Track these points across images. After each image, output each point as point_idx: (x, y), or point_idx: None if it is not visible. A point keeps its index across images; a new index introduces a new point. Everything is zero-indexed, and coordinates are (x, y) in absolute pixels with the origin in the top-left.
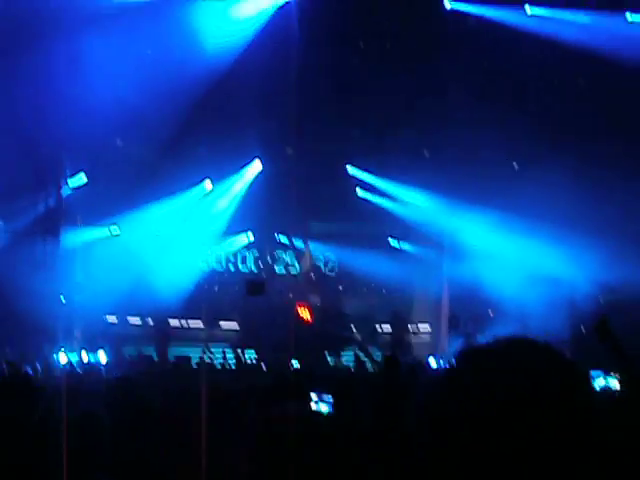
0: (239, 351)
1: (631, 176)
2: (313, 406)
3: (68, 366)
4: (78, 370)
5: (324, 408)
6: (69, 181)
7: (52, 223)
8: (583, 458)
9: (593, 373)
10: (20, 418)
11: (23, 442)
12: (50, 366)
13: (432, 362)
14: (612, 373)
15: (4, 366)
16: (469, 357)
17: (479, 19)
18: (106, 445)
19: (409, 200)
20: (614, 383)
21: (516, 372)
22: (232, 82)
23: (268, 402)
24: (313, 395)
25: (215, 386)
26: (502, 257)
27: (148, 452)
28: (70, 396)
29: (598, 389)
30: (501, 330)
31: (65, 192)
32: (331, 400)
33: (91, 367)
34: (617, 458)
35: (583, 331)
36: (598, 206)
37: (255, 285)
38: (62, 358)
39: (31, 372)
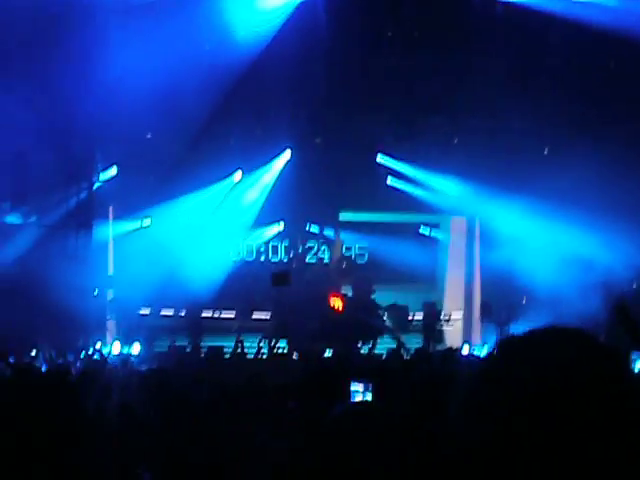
0: (270, 341)
1: None
2: (359, 397)
3: (101, 358)
4: (112, 362)
5: (369, 398)
6: (101, 174)
7: (84, 216)
8: (620, 445)
9: (633, 356)
10: (55, 411)
11: (58, 436)
12: (84, 359)
13: (465, 350)
14: None
15: (45, 358)
16: (505, 347)
17: (507, 3)
18: (143, 439)
19: (440, 188)
20: None
21: (553, 362)
22: (261, 73)
23: (307, 395)
24: (359, 386)
25: (248, 377)
26: (535, 243)
27: (184, 444)
28: (105, 389)
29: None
30: (534, 317)
31: (97, 185)
32: (371, 389)
33: (124, 359)
34: None
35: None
36: (631, 190)
37: (280, 276)
38: (96, 351)
39: (68, 363)
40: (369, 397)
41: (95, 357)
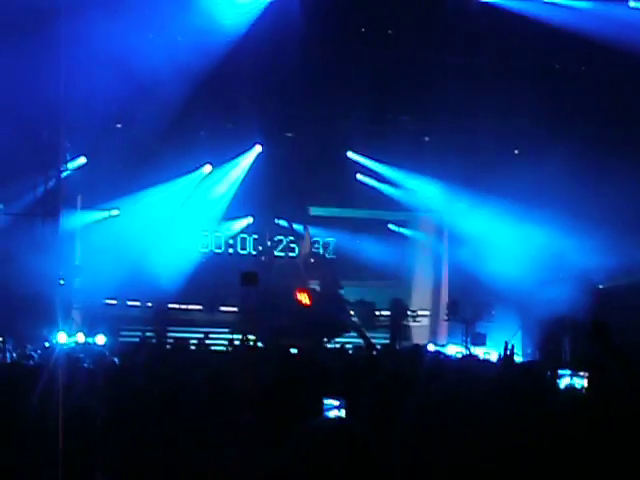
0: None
1: (632, 161)
2: (333, 413)
3: (66, 348)
4: (77, 353)
5: (335, 413)
6: (69, 163)
7: (52, 205)
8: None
9: (560, 372)
10: (15, 406)
11: (16, 435)
12: (48, 349)
13: (431, 347)
14: (580, 373)
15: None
16: None
17: (482, 3)
18: (101, 441)
19: (409, 185)
20: (580, 382)
21: None
22: (233, 67)
23: (274, 396)
24: (333, 401)
25: (215, 372)
26: (503, 242)
27: (148, 445)
28: (67, 385)
29: (563, 387)
30: (501, 316)
31: (65, 174)
32: (343, 404)
33: (89, 348)
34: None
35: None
36: (600, 192)
37: (248, 276)
38: (61, 340)
39: (32, 354)
40: (343, 413)
41: (57, 347)
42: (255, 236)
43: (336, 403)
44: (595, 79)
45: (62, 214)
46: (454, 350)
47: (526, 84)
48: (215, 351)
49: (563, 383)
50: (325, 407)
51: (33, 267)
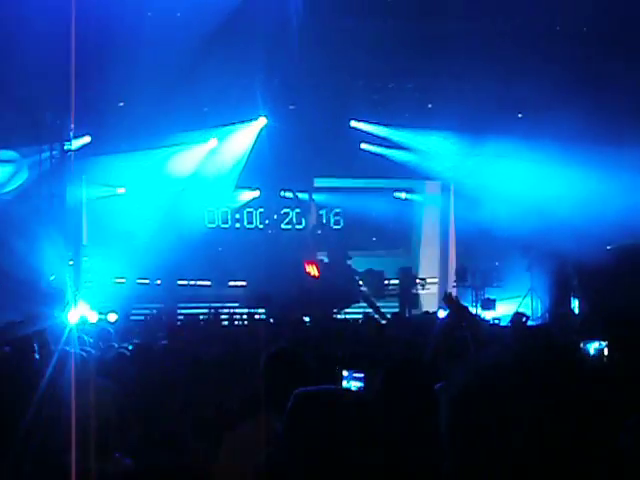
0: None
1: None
2: (344, 384)
3: (77, 328)
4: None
5: (355, 384)
6: (74, 142)
7: (57, 185)
8: None
9: (589, 340)
10: (22, 390)
11: (25, 414)
12: (57, 330)
13: (441, 314)
14: (603, 341)
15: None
16: None
17: None
18: (118, 420)
19: (414, 148)
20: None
21: None
22: (234, 40)
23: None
24: (344, 372)
25: (231, 345)
26: (511, 204)
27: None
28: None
29: (593, 353)
30: (507, 282)
31: (70, 153)
32: (362, 376)
33: (100, 330)
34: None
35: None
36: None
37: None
38: (71, 319)
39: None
40: (354, 384)
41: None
42: (261, 210)
43: (358, 375)
44: (597, 39)
45: (67, 194)
46: None
47: (529, 46)
48: (225, 326)
49: (593, 348)
50: (344, 378)
51: (41, 246)
